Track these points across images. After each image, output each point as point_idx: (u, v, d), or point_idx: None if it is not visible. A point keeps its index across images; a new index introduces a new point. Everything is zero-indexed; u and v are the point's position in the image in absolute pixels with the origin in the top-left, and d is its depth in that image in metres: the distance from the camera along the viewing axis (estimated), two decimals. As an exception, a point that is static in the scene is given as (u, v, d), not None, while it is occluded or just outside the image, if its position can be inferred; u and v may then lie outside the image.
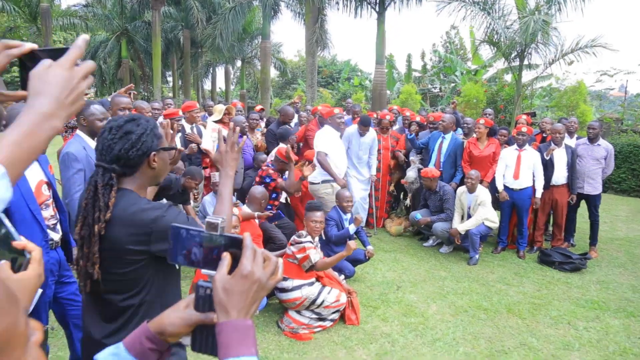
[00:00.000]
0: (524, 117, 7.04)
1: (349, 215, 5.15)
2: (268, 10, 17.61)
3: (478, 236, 5.64)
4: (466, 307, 4.40)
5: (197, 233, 0.87)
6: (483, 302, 4.51)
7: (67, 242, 2.77)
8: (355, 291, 4.21)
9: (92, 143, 3.18)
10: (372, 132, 6.54)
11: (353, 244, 3.93)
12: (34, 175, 2.52)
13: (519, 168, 5.84)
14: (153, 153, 1.63)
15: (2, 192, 0.73)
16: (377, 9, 13.13)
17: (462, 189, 5.94)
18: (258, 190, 4.43)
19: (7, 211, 2.22)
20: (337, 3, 13.55)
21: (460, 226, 5.74)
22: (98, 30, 26.70)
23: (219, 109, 6.42)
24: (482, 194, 5.79)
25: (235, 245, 0.85)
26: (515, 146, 5.97)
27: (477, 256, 5.67)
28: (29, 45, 0.88)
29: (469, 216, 5.81)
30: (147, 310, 1.59)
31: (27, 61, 0.88)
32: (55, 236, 2.64)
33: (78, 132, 3.19)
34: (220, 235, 0.86)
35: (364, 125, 6.36)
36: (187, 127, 5.84)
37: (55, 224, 2.66)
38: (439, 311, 4.29)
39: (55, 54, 0.87)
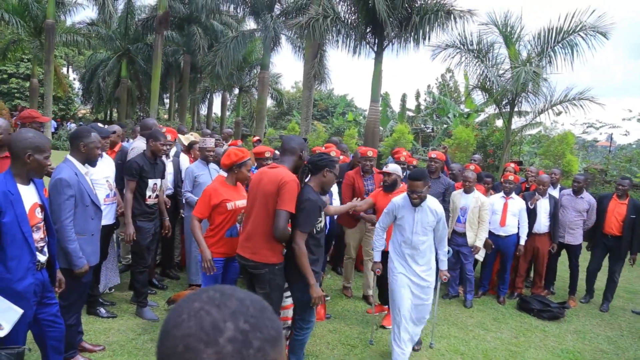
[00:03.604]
0: (512, 165, 7.20)
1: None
2: (269, 42, 18.04)
3: (472, 274, 5.79)
4: (443, 350, 4.44)
5: None
6: (460, 347, 4.55)
7: (52, 265, 2.82)
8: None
9: (83, 169, 3.25)
10: (435, 203, 3.94)
11: None
12: (29, 197, 2.58)
13: (505, 215, 5.94)
14: (326, 169, 3.34)
15: None
16: (375, 49, 13.49)
17: (457, 191, 5.95)
18: None
19: (0, 232, 2.30)
20: (337, 41, 13.88)
21: (478, 242, 5.67)
22: (100, 49, 27.07)
23: (188, 138, 6.24)
24: (481, 196, 5.76)
25: None
26: (502, 194, 6.08)
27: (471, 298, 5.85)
28: None
29: (458, 220, 5.79)
30: None
31: None
32: (42, 258, 2.69)
33: (69, 157, 3.25)
34: None
35: (416, 179, 3.76)
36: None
37: (44, 247, 2.72)
38: (416, 354, 4.32)
39: None
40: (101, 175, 4.09)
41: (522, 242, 5.95)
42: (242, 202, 3.73)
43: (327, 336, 4.53)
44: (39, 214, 2.65)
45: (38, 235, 2.64)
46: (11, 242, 2.41)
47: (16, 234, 2.43)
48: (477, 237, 5.69)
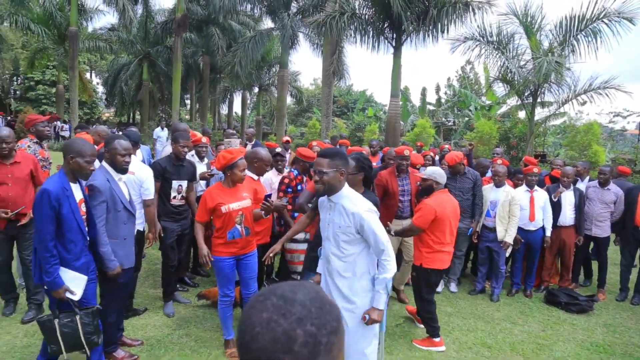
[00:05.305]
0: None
1: None
2: (287, 40, 18.09)
3: (504, 269, 5.78)
4: (470, 344, 4.45)
5: None
6: (487, 340, 4.56)
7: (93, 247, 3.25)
8: None
9: (116, 175, 3.39)
10: (356, 204, 2.75)
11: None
12: (77, 194, 3.02)
13: (533, 209, 5.81)
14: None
15: None
16: (393, 43, 13.45)
17: (487, 185, 5.94)
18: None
19: (60, 221, 2.82)
20: (355, 37, 13.87)
21: (508, 237, 5.64)
22: (121, 53, 27.61)
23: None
24: (512, 190, 5.75)
25: None
26: (525, 187, 5.99)
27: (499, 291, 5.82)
28: None
29: (488, 214, 5.78)
30: None
31: None
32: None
33: (103, 163, 3.44)
34: None
35: (322, 155, 2.85)
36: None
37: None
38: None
39: None
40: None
41: (548, 232, 5.88)
42: (237, 205, 3.68)
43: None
44: (83, 208, 3.10)
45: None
46: (69, 229, 2.92)
47: (72, 222, 2.94)
48: (507, 233, 5.66)
